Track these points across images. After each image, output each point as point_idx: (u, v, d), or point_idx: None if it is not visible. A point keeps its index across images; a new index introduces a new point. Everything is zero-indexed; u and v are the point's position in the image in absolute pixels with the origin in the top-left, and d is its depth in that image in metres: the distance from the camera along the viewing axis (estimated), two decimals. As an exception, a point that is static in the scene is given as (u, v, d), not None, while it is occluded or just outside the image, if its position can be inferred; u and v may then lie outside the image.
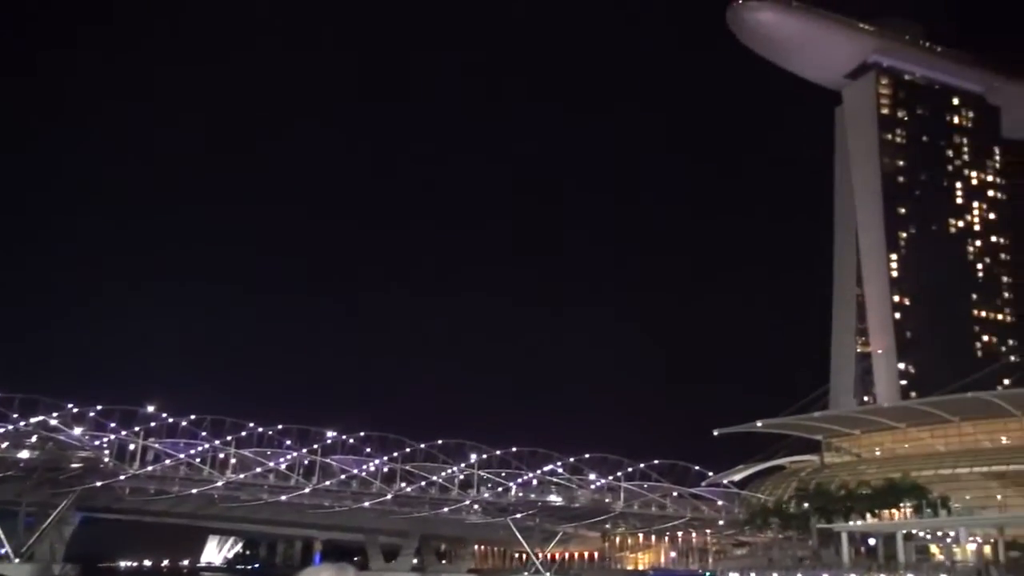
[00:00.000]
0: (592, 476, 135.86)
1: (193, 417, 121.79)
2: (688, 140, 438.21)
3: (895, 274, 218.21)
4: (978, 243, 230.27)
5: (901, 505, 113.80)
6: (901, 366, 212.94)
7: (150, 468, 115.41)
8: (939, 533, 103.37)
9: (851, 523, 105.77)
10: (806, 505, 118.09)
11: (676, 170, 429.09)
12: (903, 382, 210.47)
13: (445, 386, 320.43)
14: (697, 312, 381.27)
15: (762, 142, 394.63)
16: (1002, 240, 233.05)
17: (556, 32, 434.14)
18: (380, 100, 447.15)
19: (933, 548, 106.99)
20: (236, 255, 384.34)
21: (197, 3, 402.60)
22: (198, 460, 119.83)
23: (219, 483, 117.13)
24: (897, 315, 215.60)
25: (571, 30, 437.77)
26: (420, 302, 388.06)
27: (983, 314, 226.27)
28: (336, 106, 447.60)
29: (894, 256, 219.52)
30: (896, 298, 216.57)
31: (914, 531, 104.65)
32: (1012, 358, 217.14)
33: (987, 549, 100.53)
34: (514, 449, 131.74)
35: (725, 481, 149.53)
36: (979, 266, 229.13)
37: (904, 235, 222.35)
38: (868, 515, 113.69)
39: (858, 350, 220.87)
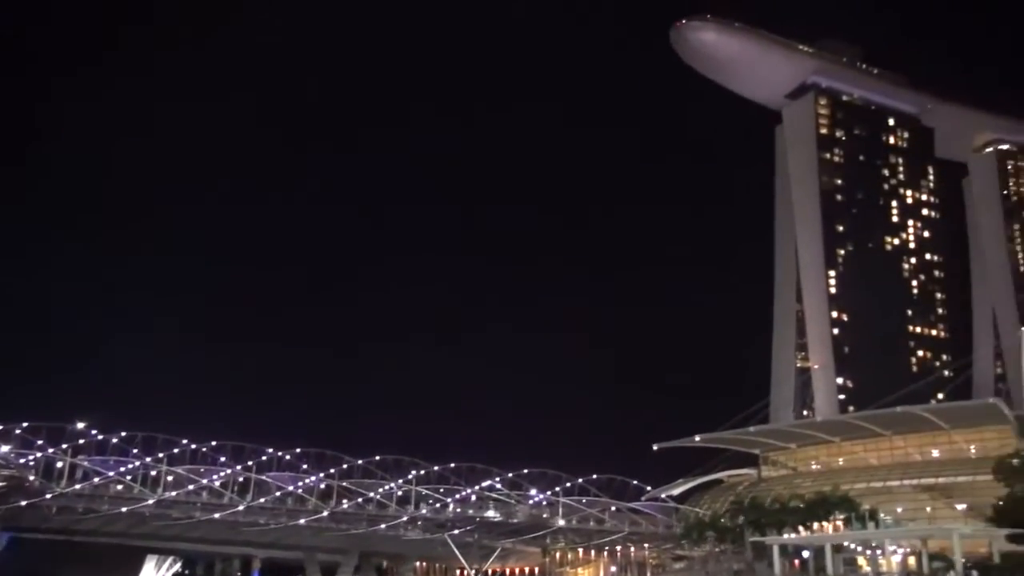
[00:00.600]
0: (533, 492, 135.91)
1: (124, 434, 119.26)
2: (631, 159, 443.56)
3: (833, 290, 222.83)
4: (913, 260, 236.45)
5: (832, 518, 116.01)
6: (839, 381, 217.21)
7: (78, 486, 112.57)
8: (867, 545, 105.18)
9: (782, 536, 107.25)
10: (740, 519, 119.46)
11: (619, 187, 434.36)
12: (841, 396, 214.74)
13: (383, 401, 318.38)
14: (640, 327, 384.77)
15: (705, 160, 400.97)
16: (936, 257, 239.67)
17: (499, 51, 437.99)
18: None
19: (861, 560, 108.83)
20: (171, 268, 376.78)
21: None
22: (129, 478, 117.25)
23: (150, 501, 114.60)
24: (835, 331, 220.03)
25: (512, 50, 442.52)
26: (355, 316, 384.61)
27: (918, 330, 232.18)
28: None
29: (832, 272, 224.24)
30: (834, 314, 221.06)
31: (844, 543, 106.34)
32: (946, 372, 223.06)
33: (911, 560, 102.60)
34: (452, 465, 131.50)
35: (663, 496, 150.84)
36: (914, 283, 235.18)
37: (842, 252, 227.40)
38: (801, 528, 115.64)
39: (798, 365, 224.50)
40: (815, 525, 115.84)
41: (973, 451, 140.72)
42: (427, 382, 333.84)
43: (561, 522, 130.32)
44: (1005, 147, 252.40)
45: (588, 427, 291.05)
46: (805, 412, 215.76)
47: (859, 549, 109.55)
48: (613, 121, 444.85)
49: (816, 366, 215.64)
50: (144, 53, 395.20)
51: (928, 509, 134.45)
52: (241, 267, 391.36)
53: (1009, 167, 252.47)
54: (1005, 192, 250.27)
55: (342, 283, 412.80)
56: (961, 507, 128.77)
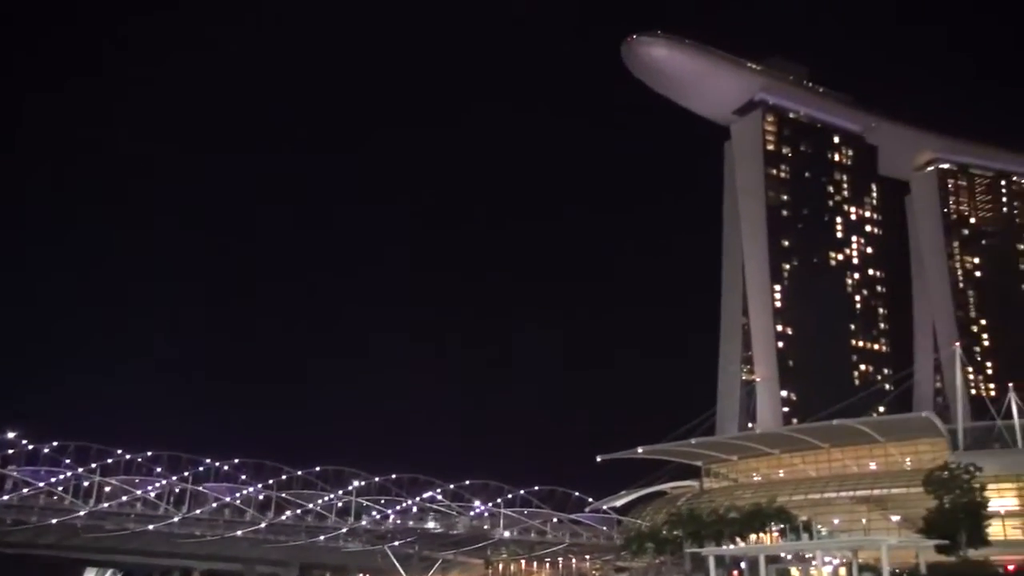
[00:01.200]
0: (477, 503, 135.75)
1: (56, 444, 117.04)
2: (580, 173, 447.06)
3: (778, 304, 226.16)
4: (856, 275, 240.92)
5: (768, 529, 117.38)
6: (784, 394, 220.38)
7: (5, 497, 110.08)
8: (800, 556, 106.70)
9: (717, 547, 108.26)
10: (679, 530, 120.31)
11: (568, 202, 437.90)
12: (785, 409, 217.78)
13: (326, 412, 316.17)
14: (587, 339, 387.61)
15: (655, 175, 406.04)
16: (879, 273, 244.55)
17: (447, 68, 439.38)
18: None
19: (794, 571, 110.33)
20: (107, 275, 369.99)
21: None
22: (60, 488, 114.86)
23: (81, 512, 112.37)
24: (780, 344, 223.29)
25: (464, 73, 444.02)
26: (300, 328, 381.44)
27: (861, 343, 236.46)
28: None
29: (778, 287, 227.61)
30: (779, 327, 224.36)
31: (778, 554, 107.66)
32: (887, 386, 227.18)
33: (843, 571, 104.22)
34: (394, 476, 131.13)
35: (605, 507, 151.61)
36: (857, 298, 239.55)
37: (787, 267, 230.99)
38: (739, 539, 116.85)
39: (743, 377, 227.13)
40: (752, 536, 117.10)
41: (908, 463, 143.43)
42: (371, 395, 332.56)
43: (503, 534, 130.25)
44: (946, 166, 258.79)
45: (534, 439, 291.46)
46: (750, 424, 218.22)
47: (791, 559, 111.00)
48: (563, 134, 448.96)
49: (761, 379, 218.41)
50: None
51: (863, 521, 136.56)
52: (180, 274, 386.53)
53: (949, 186, 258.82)
54: (945, 210, 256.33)
55: (288, 294, 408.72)
56: (896, 518, 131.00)
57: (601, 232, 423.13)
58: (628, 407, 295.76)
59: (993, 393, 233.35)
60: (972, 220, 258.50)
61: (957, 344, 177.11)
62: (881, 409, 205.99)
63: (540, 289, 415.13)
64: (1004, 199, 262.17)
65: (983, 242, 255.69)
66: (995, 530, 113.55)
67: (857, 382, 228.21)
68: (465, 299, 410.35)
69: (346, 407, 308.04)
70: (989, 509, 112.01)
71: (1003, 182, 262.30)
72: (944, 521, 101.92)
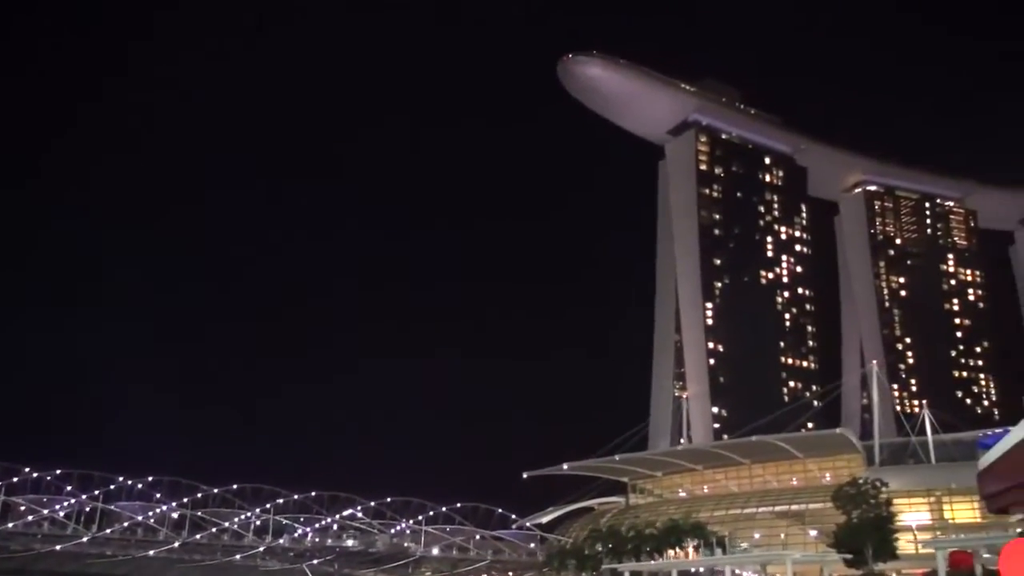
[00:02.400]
0: (407, 521, 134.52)
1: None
2: (515, 190, 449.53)
3: (710, 322, 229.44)
4: (786, 294, 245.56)
5: (684, 544, 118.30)
6: (714, 410, 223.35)
7: None
8: (712, 571, 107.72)
9: (631, 563, 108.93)
10: (599, 546, 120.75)
11: (503, 220, 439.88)
12: (716, 425, 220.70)
13: (244, 428, 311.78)
14: (520, 357, 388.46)
15: (590, 193, 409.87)
16: (808, 292, 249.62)
17: (380, 83, 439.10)
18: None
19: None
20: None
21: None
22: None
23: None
24: (711, 361, 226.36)
25: (398, 84, 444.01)
26: (216, 342, 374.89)
27: (790, 361, 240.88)
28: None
29: (709, 304, 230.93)
30: (711, 344, 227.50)
31: (691, 569, 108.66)
32: (816, 403, 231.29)
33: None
34: (314, 493, 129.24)
35: (529, 524, 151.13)
36: (787, 316, 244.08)
37: (719, 285, 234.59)
38: (657, 554, 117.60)
39: (675, 394, 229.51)
40: (669, 552, 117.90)
41: (828, 478, 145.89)
42: (292, 409, 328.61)
43: (423, 551, 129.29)
44: (873, 188, 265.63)
45: (462, 456, 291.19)
46: (682, 440, 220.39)
47: (705, 574, 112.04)
48: (499, 151, 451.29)
49: (692, 395, 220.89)
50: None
51: (782, 535, 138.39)
52: (87, 288, 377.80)
53: (876, 207, 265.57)
54: (872, 231, 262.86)
55: (202, 310, 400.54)
56: (814, 533, 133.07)
57: (532, 251, 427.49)
58: (561, 422, 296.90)
59: (917, 409, 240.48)
60: (898, 241, 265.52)
61: (875, 362, 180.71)
62: (810, 425, 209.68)
63: (460, 302, 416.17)
64: (928, 220, 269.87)
65: (908, 262, 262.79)
66: (906, 544, 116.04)
67: (786, 398, 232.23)
68: (386, 313, 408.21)
69: (268, 423, 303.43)
70: (901, 523, 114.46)
71: (927, 204, 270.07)
72: (852, 535, 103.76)
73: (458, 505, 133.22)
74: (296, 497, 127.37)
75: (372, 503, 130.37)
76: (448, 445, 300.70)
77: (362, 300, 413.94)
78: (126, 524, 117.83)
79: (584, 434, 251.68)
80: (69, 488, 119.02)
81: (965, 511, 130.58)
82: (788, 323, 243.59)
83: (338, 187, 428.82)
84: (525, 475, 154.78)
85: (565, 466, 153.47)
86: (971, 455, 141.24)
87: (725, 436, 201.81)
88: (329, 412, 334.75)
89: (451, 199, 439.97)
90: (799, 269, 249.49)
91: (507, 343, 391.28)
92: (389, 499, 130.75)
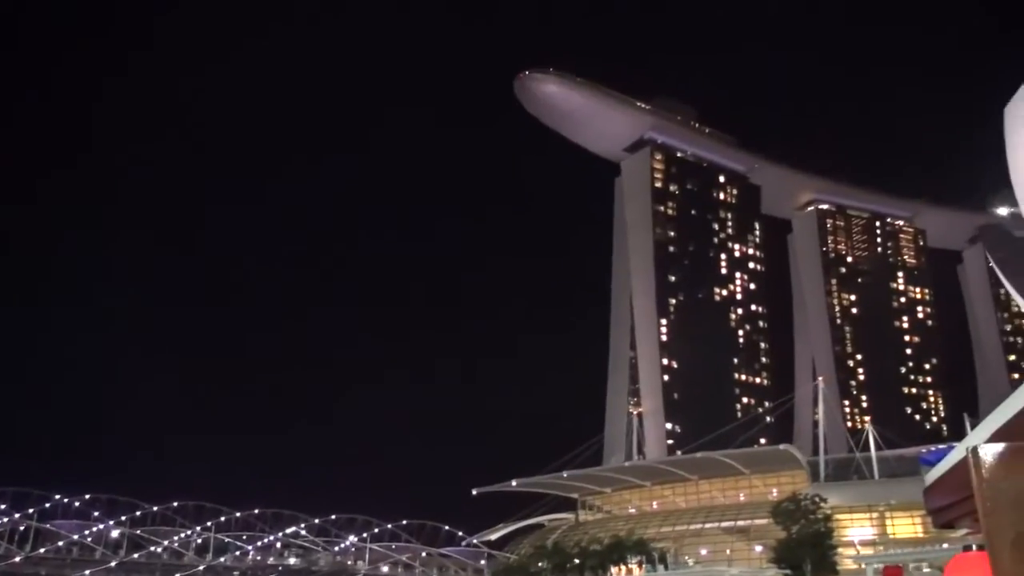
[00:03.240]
0: (352, 538, 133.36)
1: None
2: (473, 205, 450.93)
3: (665, 338, 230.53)
4: (740, 311, 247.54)
5: (628, 560, 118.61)
6: (668, 426, 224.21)
7: None
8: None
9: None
10: (543, 563, 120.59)
11: (461, 232, 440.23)
12: (670, 441, 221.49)
13: (187, 444, 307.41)
14: (473, 372, 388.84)
15: (548, 209, 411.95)
16: (761, 309, 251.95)
17: (340, 96, 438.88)
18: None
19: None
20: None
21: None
22: None
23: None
24: (666, 377, 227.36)
25: (355, 94, 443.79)
26: (160, 358, 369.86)
27: (744, 377, 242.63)
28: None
29: (664, 321, 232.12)
30: (665, 361, 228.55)
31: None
32: (768, 419, 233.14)
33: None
34: (257, 511, 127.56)
35: (476, 540, 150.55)
36: (740, 332, 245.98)
37: (674, 301, 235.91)
38: (600, 571, 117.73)
39: (630, 410, 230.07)
40: (612, 568, 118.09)
41: (774, 494, 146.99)
42: (236, 425, 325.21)
43: (367, 568, 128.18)
44: (825, 207, 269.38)
45: (415, 473, 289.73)
46: (636, 456, 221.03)
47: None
48: (456, 166, 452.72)
49: (646, 411, 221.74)
50: None
51: (728, 551, 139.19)
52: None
53: (828, 225, 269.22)
54: (824, 249, 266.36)
55: (148, 325, 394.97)
56: (759, 548, 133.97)
57: (488, 266, 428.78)
58: (515, 439, 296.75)
59: (868, 425, 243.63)
60: (849, 259, 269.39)
61: (821, 379, 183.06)
62: (763, 441, 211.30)
63: (410, 320, 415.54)
64: (879, 239, 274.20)
65: (859, 280, 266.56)
66: (846, 559, 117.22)
67: (740, 414, 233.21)
68: (336, 331, 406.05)
69: (208, 440, 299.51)
70: (843, 538, 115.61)
71: (878, 223, 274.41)
72: (791, 551, 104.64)
73: (404, 522, 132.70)
74: (239, 515, 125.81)
75: (316, 520, 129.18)
76: (398, 462, 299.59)
77: (309, 318, 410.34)
78: (61, 543, 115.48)
79: (538, 450, 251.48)
80: (3, 506, 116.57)
81: (906, 526, 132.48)
82: (742, 340, 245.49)
83: (291, 198, 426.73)
84: (474, 492, 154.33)
85: (514, 483, 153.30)
86: (914, 471, 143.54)
87: (679, 452, 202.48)
88: (273, 429, 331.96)
89: (398, 215, 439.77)
90: (752, 286, 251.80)
91: (459, 361, 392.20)
92: (334, 516, 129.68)
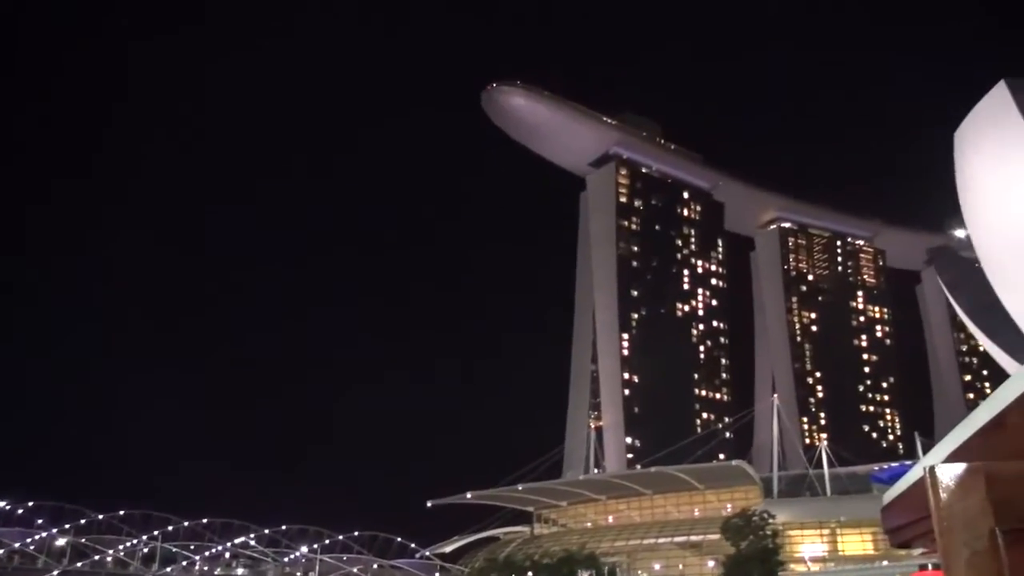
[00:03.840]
0: (303, 549, 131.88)
1: None
2: (437, 216, 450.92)
3: (626, 352, 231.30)
4: (701, 327, 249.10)
5: (580, 574, 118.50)
6: (628, 440, 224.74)
7: None
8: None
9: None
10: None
11: (425, 245, 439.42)
12: (630, 455, 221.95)
13: (138, 451, 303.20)
14: (435, 384, 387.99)
15: (513, 223, 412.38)
16: (722, 325, 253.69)
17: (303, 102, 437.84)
18: None
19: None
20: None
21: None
22: None
23: None
24: (626, 391, 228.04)
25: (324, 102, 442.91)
26: (106, 365, 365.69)
27: (704, 392, 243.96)
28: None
29: (626, 336, 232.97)
30: (626, 375, 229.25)
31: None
32: (727, 434, 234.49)
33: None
34: (205, 520, 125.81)
35: (428, 552, 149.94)
36: (701, 348, 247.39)
37: (636, 316, 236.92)
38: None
39: (590, 424, 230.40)
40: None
41: (729, 509, 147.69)
42: (186, 431, 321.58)
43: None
44: (787, 225, 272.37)
45: (373, 485, 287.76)
46: (596, 469, 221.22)
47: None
48: (423, 178, 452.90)
49: (607, 425, 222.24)
50: None
51: (680, 566, 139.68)
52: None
53: (790, 244, 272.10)
54: (786, 267, 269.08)
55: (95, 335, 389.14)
56: (711, 563, 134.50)
57: (452, 277, 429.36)
58: (475, 451, 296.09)
59: (826, 441, 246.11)
60: (810, 277, 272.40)
61: (776, 396, 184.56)
62: (721, 456, 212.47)
63: (372, 329, 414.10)
64: (839, 258, 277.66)
65: (819, 298, 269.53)
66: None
67: (700, 429, 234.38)
68: (292, 342, 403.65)
69: (160, 446, 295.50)
70: (794, 554, 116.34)
71: (839, 242, 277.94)
72: (739, 566, 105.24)
73: (356, 533, 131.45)
74: (187, 524, 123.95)
75: (267, 531, 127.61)
76: (359, 473, 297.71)
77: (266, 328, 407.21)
78: (1, 551, 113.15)
79: (501, 461, 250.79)
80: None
81: (854, 542, 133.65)
82: (702, 355, 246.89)
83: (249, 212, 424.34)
84: (429, 503, 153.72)
85: (469, 495, 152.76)
86: (865, 488, 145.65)
87: (638, 466, 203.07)
88: (224, 438, 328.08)
89: (362, 226, 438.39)
90: (714, 302, 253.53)
91: (418, 371, 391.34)
92: (284, 527, 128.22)
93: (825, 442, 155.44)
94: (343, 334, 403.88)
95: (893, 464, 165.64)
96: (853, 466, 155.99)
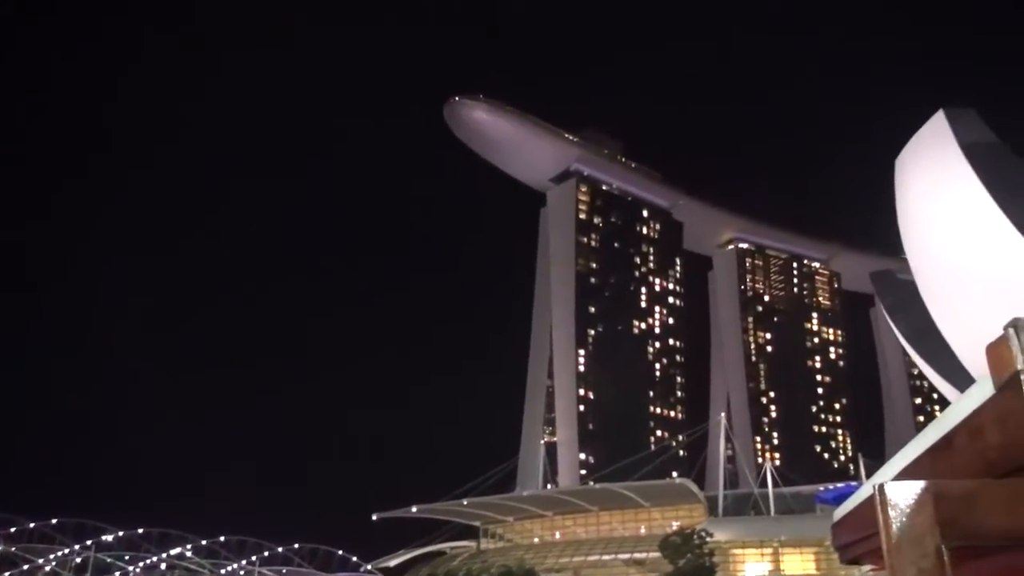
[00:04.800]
0: (243, 561, 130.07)
1: None
2: (398, 230, 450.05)
3: (582, 369, 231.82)
4: (658, 344, 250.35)
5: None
6: (582, 456, 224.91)
7: None
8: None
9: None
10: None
11: (391, 259, 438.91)
12: (583, 471, 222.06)
13: (72, 456, 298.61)
14: (387, 396, 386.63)
15: (475, 235, 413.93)
16: (679, 343, 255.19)
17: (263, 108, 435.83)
18: None
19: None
20: None
21: None
22: None
23: None
24: (581, 407, 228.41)
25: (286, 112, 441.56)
26: (37, 373, 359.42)
27: (659, 410, 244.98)
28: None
29: (582, 352, 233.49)
30: (581, 391, 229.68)
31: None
32: (681, 452, 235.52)
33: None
34: (141, 530, 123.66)
35: (370, 566, 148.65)
36: (657, 366, 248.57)
37: (593, 332, 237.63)
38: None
39: (545, 439, 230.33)
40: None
41: (674, 527, 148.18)
42: (126, 439, 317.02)
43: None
44: (744, 245, 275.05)
45: (329, 496, 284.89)
46: (549, 485, 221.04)
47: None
48: (385, 189, 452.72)
49: (561, 440, 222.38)
50: None
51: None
52: None
53: (747, 264, 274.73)
54: (743, 287, 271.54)
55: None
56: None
57: (414, 291, 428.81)
58: (430, 464, 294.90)
59: (779, 461, 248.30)
60: (766, 298, 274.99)
61: (723, 415, 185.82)
62: (675, 474, 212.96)
63: (338, 344, 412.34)
64: (796, 280, 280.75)
65: (775, 319, 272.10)
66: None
67: (654, 447, 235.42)
68: (237, 350, 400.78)
69: (94, 451, 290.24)
70: (738, 572, 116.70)
71: (795, 264, 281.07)
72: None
73: (296, 546, 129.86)
74: (122, 533, 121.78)
75: (204, 542, 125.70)
76: (304, 484, 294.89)
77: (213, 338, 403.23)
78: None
79: (455, 476, 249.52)
80: None
81: (795, 562, 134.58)
82: (658, 373, 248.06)
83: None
84: (375, 517, 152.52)
85: (414, 508, 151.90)
86: (809, 508, 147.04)
87: (591, 482, 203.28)
88: (165, 445, 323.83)
89: (327, 239, 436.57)
90: (671, 320, 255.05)
91: (374, 381, 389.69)
92: (223, 538, 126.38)
93: (769, 462, 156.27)
94: (293, 347, 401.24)
95: (839, 484, 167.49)
96: (798, 486, 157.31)
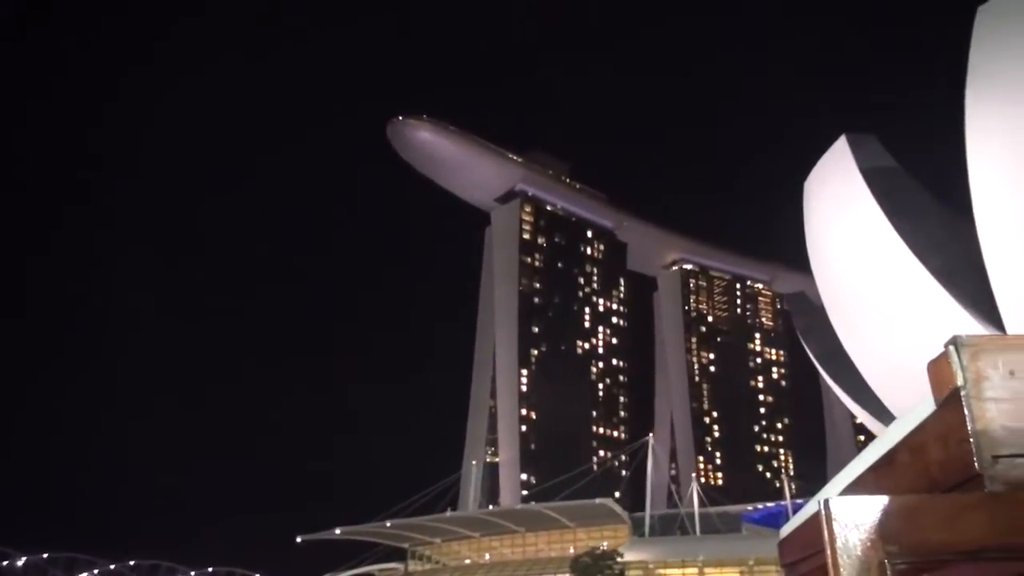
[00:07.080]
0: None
1: None
2: (341, 247, 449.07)
3: (525, 388, 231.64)
4: (601, 364, 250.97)
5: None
6: (524, 476, 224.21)
7: None
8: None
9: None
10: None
11: (337, 279, 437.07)
12: (524, 492, 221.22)
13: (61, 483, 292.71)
14: (326, 412, 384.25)
15: (418, 255, 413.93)
16: (623, 363, 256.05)
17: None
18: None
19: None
20: None
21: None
22: None
23: None
24: (523, 427, 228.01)
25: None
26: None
27: (602, 430, 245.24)
28: None
29: (525, 371, 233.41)
30: (524, 411, 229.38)
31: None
32: (624, 472, 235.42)
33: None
34: (46, 555, 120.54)
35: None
36: (601, 386, 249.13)
37: (536, 352, 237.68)
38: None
39: (487, 460, 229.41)
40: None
41: (605, 547, 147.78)
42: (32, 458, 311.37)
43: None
44: (688, 267, 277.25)
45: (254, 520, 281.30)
46: (491, 506, 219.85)
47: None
48: (329, 202, 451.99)
49: (502, 460, 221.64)
50: None
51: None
52: None
53: (691, 285, 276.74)
54: (687, 307, 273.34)
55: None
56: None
57: (355, 306, 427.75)
58: (367, 485, 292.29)
59: (721, 481, 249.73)
60: (710, 318, 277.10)
61: (651, 435, 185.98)
62: (616, 494, 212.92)
63: (278, 363, 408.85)
64: (739, 300, 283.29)
65: (718, 339, 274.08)
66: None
67: (596, 467, 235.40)
68: (172, 364, 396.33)
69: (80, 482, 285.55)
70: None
71: (738, 285, 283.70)
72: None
73: (210, 569, 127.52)
74: (26, 558, 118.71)
75: (113, 565, 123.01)
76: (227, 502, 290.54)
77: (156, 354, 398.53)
78: None
79: (395, 494, 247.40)
80: None
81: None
82: (602, 393, 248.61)
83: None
84: (299, 539, 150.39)
85: (338, 531, 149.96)
86: (735, 528, 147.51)
87: (533, 502, 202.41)
88: (73, 460, 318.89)
89: (272, 258, 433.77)
90: (615, 341, 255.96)
91: (313, 397, 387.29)
92: (132, 562, 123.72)
93: (695, 482, 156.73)
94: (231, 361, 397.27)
95: (769, 504, 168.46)
96: (726, 506, 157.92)
